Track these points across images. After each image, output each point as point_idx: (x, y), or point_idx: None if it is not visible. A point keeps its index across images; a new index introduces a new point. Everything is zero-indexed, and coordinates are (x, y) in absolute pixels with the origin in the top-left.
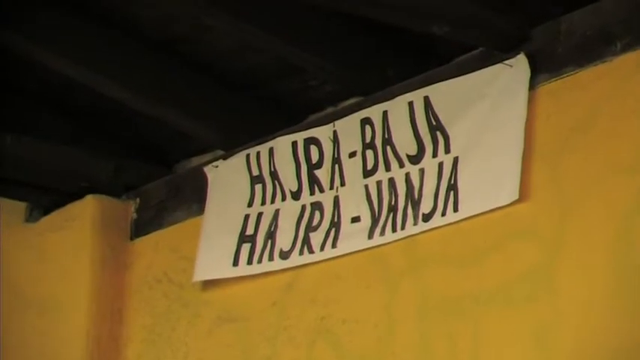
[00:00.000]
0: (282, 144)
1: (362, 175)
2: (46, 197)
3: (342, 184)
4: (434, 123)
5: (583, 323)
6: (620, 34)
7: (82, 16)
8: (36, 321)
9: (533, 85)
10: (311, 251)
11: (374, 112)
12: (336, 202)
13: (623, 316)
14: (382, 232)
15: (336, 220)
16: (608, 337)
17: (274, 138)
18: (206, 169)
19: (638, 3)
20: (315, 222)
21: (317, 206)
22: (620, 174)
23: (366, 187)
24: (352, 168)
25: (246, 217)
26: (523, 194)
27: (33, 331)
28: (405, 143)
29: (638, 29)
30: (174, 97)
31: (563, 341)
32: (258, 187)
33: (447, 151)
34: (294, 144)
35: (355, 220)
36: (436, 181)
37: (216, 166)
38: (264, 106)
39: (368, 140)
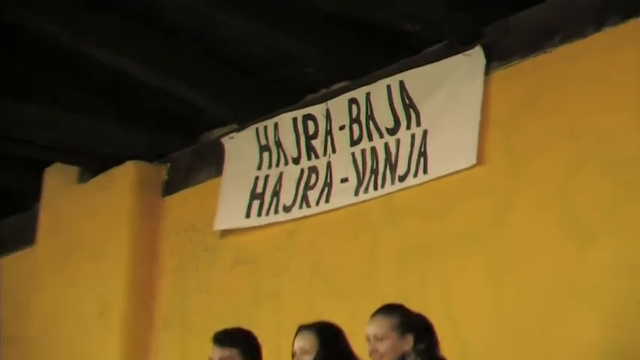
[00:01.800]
0: (284, 119)
1: (349, 144)
2: (94, 163)
3: (334, 151)
4: (407, 102)
5: (529, 264)
6: (558, 29)
7: (121, 14)
8: (86, 263)
9: (487, 72)
10: (308, 206)
11: (359, 93)
12: (329, 166)
13: (563, 258)
14: (366, 190)
15: (328, 180)
16: (549, 276)
17: (278, 114)
18: (223, 139)
19: (572, 4)
20: (311, 182)
21: (313, 169)
22: (560, 141)
23: (353, 154)
24: (341, 138)
25: (256, 178)
26: (480, 159)
27: (84, 272)
28: (384, 118)
29: (573, 25)
30: (198, 81)
31: (512, 279)
32: (266, 155)
33: (418, 124)
34: (295, 119)
35: (344, 180)
36: (409, 149)
37: (232, 137)
38: (270, 88)
39: (354, 116)
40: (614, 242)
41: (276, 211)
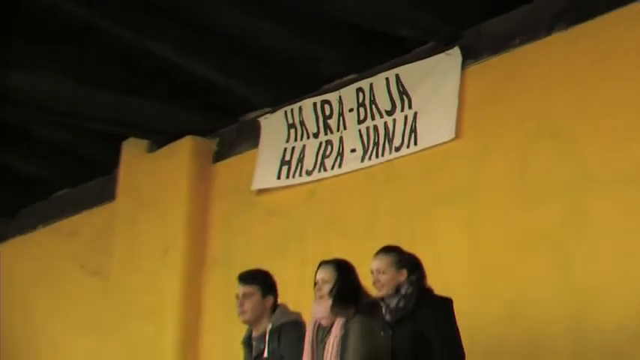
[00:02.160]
0: (306, 104)
1: (357, 123)
2: (160, 137)
3: (345, 128)
4: (401, 90)
5: (497, 217)
6: (517, 34)
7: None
8: (154, 214)
9: (463, 67)
10: (325, 170)
11: (364, 83)
12: (341, 139)
13: (523, 213)
14: (369, 158)
15: (340, 150)
16: (513, 227)
17: (302, 100)
18: (260, 119)
19: (528, 14)
20: (328, 152)
21: (329, 142)
22: (519, 121)
23: (359, 130)
24: (351, 118)
25: (285, 149)
26: (457, 134)
27: (152, 221)
28: (383, 103)
29: (529, 31)
30: (240, 75)
31: (484, 228)
32: (292, 131)
33: (410, 107)
34: (315, 104)
35: (353, 150)
36: (403, 126)
37: (266, 118)
38: (295, 80)
39: (360, 101)
40: (563, 201)
41: (300, 175)
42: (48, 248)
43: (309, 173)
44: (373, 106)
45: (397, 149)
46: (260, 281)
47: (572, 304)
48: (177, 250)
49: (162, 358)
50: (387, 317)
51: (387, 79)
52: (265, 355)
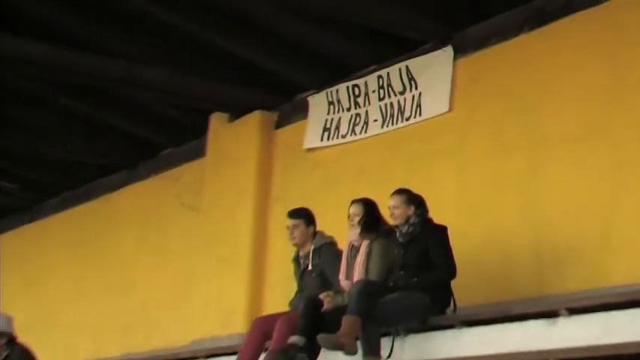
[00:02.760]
0: (341, 87)
1: (377, 100)
2: (238, 111)
3: (369, 104)
4: (410, 77)
5: (478, 167)
6: (492, 35)
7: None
8: (231, 167)
9: (454, 60)
10: (355, 134)
11: (383, 72)
12: (366, 112)
13: (499, 165)
14: (387, 126)
15: (366, 120)
16: (489, 174)
17: (338, 84)
18: (308, 98)
19: (501, 21)
20: (357, 121)
21: (358, 114)
22: (495, 99)
23: (379, 106)
24: (374, 97)
25: (326, 119)
26: (450, 108)
27: (232, 171)
28: (397, 86)
29: (503, 32)
30: (294, 65)
31: (469, 178)
32: (331, 107)
33: (416, 89)
34: (347, 87)
35: (375, 120)
36: (411, 102)
37: (313, 97)
38: (334, 69)
39: (380, 85)
40: (527, 156)
41: (336, 137)
42: (157, 191)
43: (343, 137)
44: (389, 88)
45: (407, 119)
46: (304, 215)
47: (532, 231)
48: (249, 191)
49: (238, 271)
50: (400, 239)
51: (399, 68)
52: (310, 268)
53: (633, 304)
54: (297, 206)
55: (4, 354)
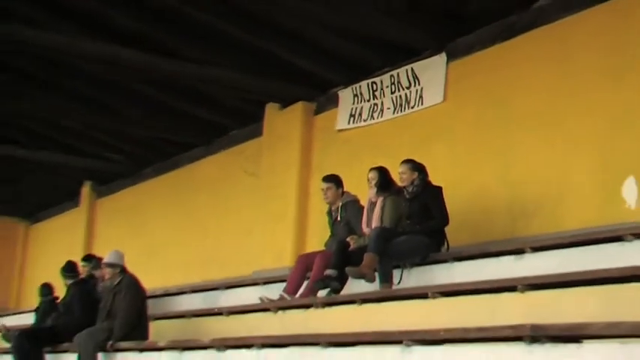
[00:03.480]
0: (363, 84)
1: (390, 93)
2: (285, 102)
3: (384, 96)
4: (414, 75)
5: (464, 144)
6: (476, 44)
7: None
8: (280, 143)
9: (447, 63)
10: (373, 119)
11: (394, 72)
12: (382, 102)
13: (481, 142)
14: (397, 112)
15: (381, 108)
16: (475, 149)
17: (361, 81)
18: (338, 92)
19: (482, 34)
20: (374, 109)
21: (375, 104)
22: (478, 93)
23: (392, 97)
24: (387, 91)
25: (352, 108)
26: (444, 99)
27: (281, 147)
28: (404, 82)
29: (483, 42)
30: (329, 67)
31: (458, 151)
32: (356, 98)
33: (419, 84)
34: (367, 84)
35: (388, 109)
36: (415, 95)
37: (342, 91)
38: (358, 70)
39: (392, 82)
40: (503, 136)
41: (360, 122)
42: (226, 163)
43: (364, 121)
44: (399, 84)
45: (412, 107)
46: (334, 180)
47: (506, 190)
48: (295, 162)
49: (286, 221)
50: (407, 196)
51: (406, 69)
52: (339, 219)
53: (581, 244)
54: (330, 173)
55: (118, 279)
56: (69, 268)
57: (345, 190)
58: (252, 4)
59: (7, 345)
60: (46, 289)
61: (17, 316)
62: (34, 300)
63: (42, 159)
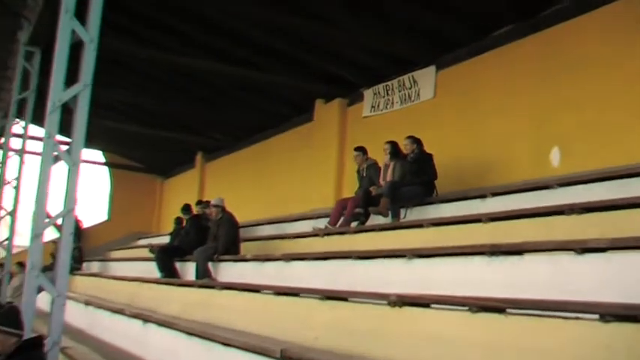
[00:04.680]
0: (380, 86)
1: (398, 92)
2: (329, 98)
3: (394, 94)
4: (414, 80)
5: (447, 127)
6: (455, 60)
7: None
8: (325, 128)
9: (436, 72)
10: (387, 109)
11: (400, 78)
12: (393, 98)
13: (460, 125)
14: (403, 105)
15: (391, 101)
16: (457, 129)
17: (378, 84)
18: (364, 92)
19: (463, 51)
20: (387, 103)
21: (388, 99)
22: (458, 92)
23: (400, 94)
24: (396, 91)
25: (372, 102)
26: (435, 95)
27: (324, 131)
28: (407, 85)
29: (461, 57)
30: (356, 74)
31: (443, 133)
32: (375, 95)
33: (417, 86)
34: (383, 85)
35: (397, 102)
36: (414, 93)
37: (365, 91)
38: (377, 77)
39: (400, 85)
40: (474, 118)
41: (378, 111)
42: (290, 138)
43: (381, 110)
44: (404, 86)
45: (412, 101)
46: (362, 149)
47: (478, 155)
48: (335, 138)
49: (329, 177)
50: (409, 160)
51: (409, 76)
52: (364, 175)
53: (522, 191)
54: (358, 145)
55: (220, 215)
56: (186, 209)
57: (368, 156)
58: (307, 33)
59: (152, 256)
60: (179, 219)
61: (157, 237)
62: (167, 227)
63: (174, 137)
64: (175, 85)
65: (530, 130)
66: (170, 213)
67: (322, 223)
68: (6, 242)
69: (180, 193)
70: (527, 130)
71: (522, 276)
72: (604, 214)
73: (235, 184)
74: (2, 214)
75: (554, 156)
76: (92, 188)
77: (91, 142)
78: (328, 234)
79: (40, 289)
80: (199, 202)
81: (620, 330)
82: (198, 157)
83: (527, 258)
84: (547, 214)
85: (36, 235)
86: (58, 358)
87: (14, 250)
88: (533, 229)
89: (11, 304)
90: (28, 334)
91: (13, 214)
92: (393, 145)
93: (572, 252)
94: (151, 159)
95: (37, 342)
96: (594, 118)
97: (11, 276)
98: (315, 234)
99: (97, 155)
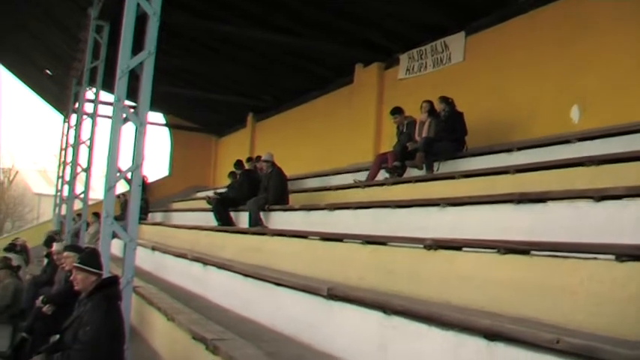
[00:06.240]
0: (414, 50)
1: (431, 56)
2: (366, 63)
3: (427, 58)
4: (445, 45)
5: (474, 86)
6: (482, 25)
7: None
8: (365, 89)
9: (465, 37)
10: (420, 72)
11: (433, 44)
12: (426, 62)
13: (488, 85)
14: (435, 67)
15: (425, 65)
16: (484, 89)
17: (413, 49)
18: (400, 56)
19: (490, 17)
20: (421, 66)
21: (422, 63)
22: (483, 54)
23: (432, 58)
24: (429, 55)
25: (407, 65)
26: (465, 58)
27: (364, 93)
28: (439, 49)
29: (489, 23)
30: (394, 41)
31: (470, 90)
32: (410, 59)
33: (448, 50)
34: (417, 50)
35: (429, 65)
36: (446, 56)
37: (402, 55)
38: (412, 43)
39: (433, 49)
40: (496, 77)
41: (412, 73)
42: (333, 100)
43: (415, 73)
44: (436, 50)
45: (444, 64)
46: (398, 111)
47: (500, 112)
48: (373, 99)
49: (369, 133)
50: (442, 118)
51: (441, 41)
52: (404, 130)
53: (545, 145)
54: (396, 106)
55: (270, 170)
56: (238, 164)
57: (406, 114)
58: (349, 3)
59: (209, 207)
60: (232, 173)
61: (213, 190)
62: (222, 181)
63: (227, 100)
64: (228, 53)
65: (553, 89)
66: (224, 168)
67: (363, 176)
68: (82, 195)
69: (233, 150)
70: (549, 89)
71: (546, 221)
72: (620, 166)
73: (283, 141)
74: (78, 171)
75: (575, 113)
76: (155, 147)
77: (153, 105)
78: (369, 185)
79: (113, 235)
80: (250, 159)
81: (635, 268)
82: (249, 117)
83: (550, 205)
84: (568, 166)
85: (109, 187)
86: (131, 296)
87: (89, 203)
88: (555, 179)
89: (92, 247)
90: (105, 275)
91: (87, 170)
92: (430, 104)
93: (590, 199)
94: (207, 120)
95: (114, 280)
96: (611, 77)
97: (88, 225)
98: (356, 185)
99: (159, 117)
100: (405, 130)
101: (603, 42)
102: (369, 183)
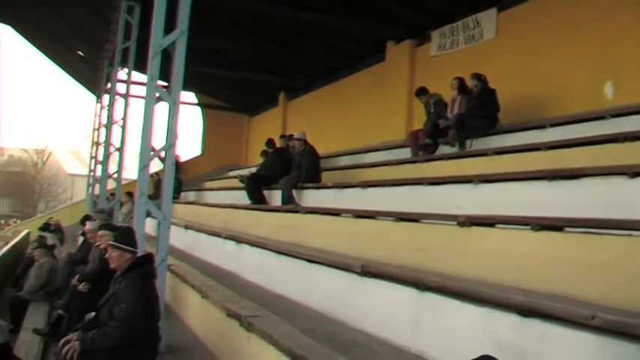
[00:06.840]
0: (446, 28)
1: (463, 32)
2: (398, 40)
3: (459, 35)
4: (477, 22)
5: (505, 63)
6: (513, 2)
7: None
8: (394, 66)
9: (497, 14)
10: (452, 49)
11: (465, 20)
12: (458, 39)
13: (506, 65)
14: (467, 44)
15: (457, 42)
16: (509, 67)
17: (444, 26)
18: (432, 33)
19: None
20: (453, 42)
21: (454, 39)
22: (514, 32)
23: (464, 35)
24: (462, 31)
25: (439, 42)
26: (497, 35)
27: (394, 69)
28: (472, 26)
29: (517, 1)
30: (427, 19)
31: (500, 66)
32: (442, 36)
33: (480, 26)
34: (450, 27)
35: (462, 42)
36: (478, 33)
37: (434, 32)
38: (445, 19)
39: (464, 26)
40: (526, 57)
41: (444, 50)
42: (365, 77)
43: (447, 50)
44: (468, 27)
45: (476, 41)
46: (423, 91)
47: (529, 90)
48: (405, 76)
49: (400, 112)
50: (474, 95)
51: (473, 18)
52: (432, 110)
53: (579, 121)
54: (419, 87)
55: (302, 148)
56: (270, 142)
57: (431, 93)
58: None
59: (242, 185)
60: (265, 152)
61: (245, 169)
62: (254, 159)
63: (259, 79)
64: (260, 32)
65: (586, 65)
66: (256, 147)
67: (394, 154)
68: (115, 175)
69: (266, 129)
70: (583, 65)
71: (579, 198)
72: None
73: (315, 120)
74: (111, 151)
75: (608, 89)
76: (188, 127)
77: (185, 85)
78: (401, 162)
79: (147, 214)
80: (283, 136)
81: None
82: (281, 96)
83: (584, 181)
84: (601, 142)
85: (143, 166)
86: (166, 273)
87: (123, 182)
88: (588, 155)
89: (126, 225)
90: (139, 253)
91: (120, 150)
92: (460, 81)
93: (624, 176)
94: (239, 99)
95: (148, 258)
96: None
97: (121, 204)
98: (389, 163)
99: (191, 97)
100: (432, 110)
101: (637, 17)
102: (402, 160)
